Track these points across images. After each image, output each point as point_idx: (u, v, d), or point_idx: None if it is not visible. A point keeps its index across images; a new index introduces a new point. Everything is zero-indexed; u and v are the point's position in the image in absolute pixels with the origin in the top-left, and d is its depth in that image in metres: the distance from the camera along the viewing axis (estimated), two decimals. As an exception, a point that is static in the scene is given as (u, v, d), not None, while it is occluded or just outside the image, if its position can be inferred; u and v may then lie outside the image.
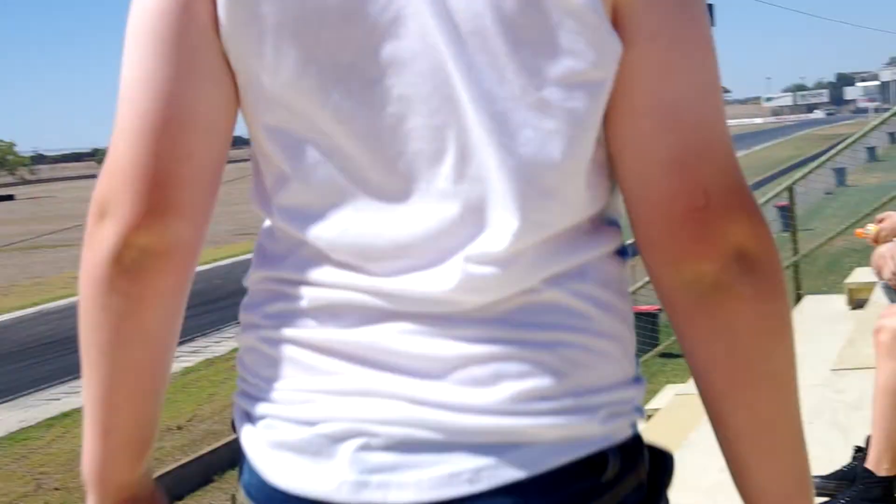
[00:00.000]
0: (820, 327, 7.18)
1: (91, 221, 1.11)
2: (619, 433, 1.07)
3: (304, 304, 1.09)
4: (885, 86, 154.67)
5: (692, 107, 1.01)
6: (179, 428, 21.57)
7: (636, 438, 1.10)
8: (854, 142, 11.13)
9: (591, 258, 1.05)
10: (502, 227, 0.99)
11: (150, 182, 1.07)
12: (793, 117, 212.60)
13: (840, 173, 53.44)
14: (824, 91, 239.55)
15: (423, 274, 1.02)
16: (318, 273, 1.08)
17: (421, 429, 1.00)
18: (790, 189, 11.18)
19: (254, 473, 1.08)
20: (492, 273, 0.99)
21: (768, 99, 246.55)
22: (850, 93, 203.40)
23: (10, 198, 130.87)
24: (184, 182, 1.09)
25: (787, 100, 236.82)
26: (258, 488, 1.08)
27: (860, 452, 3.60)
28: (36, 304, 39.65)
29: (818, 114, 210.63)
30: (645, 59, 0.99)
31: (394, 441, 1.01)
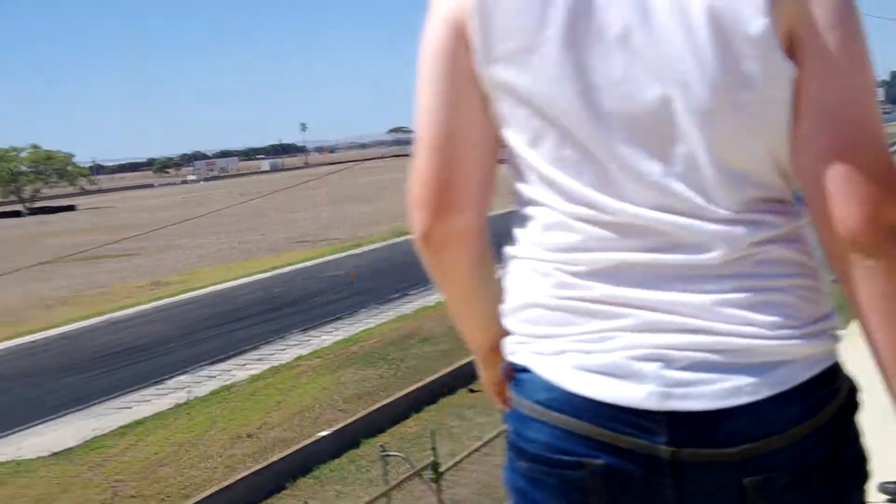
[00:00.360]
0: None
1: (409, 212, 1.53)
2: (835, 353, 1.38)
3: (583, 268, 1.39)
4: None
5: (847, 109, 1.29)
6: (249, 436, 21.86)
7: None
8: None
9: (800, 224, 1.38)
10: (726, 201, 1.33)
11: (439, 186, 1.47)
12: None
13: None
14: (880, 90, 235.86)
15: (685, 233, 1.34)
16: (593, 242, 1.38)
17: (708, 353, 1.32)
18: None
19: (555, 389, 1.38)
20: (740, 232, 1.33)
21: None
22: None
23: (71, 208, 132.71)
24: (462, 184, 1.48)
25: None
26: (562, 401, 1.37)
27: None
28: (102, 313, 40.22)
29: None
30: (809, 72, 1.28)
31: (688, 363, 1.32)
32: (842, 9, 1.28)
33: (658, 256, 1.35)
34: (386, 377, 25.93)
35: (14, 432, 23.71)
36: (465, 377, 24.09)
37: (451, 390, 23.50)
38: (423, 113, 1.48)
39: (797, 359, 1.33)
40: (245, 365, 28.77)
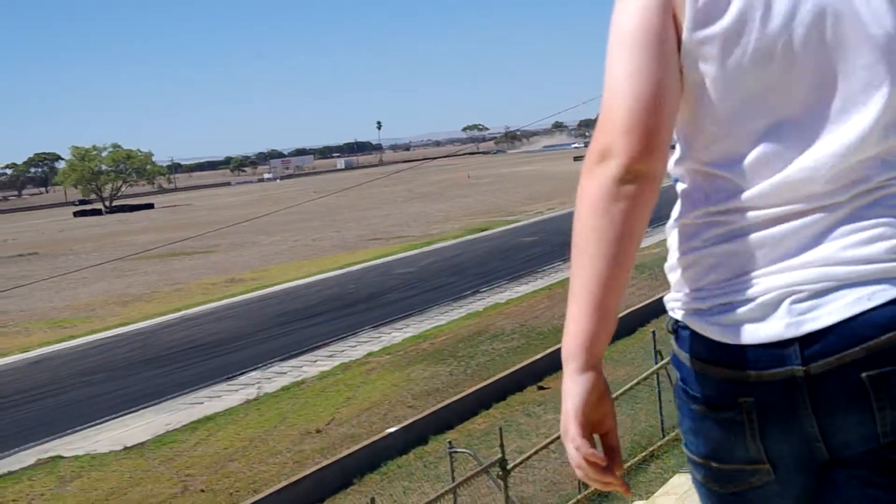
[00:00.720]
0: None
1: (592, 161, 1.68)
2: None
3: (734, 227, 1.68)
4: None
5: None
6: (318, 431, 21.93)
7: None
8: None
9: None
10: (867, 145, 1.62)
11: (645, 134, 1.64)
12: None
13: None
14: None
15: (814, 183, 1.63)
16: (742, 202, 1.67)
17: (830, 280, 1.59)
18: None
19: (709, 344, 1.68)
20: (867, 170, 1.63)
21: None
22: None
23: (149, 206, 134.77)
24: (660, 134, 1.66)
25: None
26: (716, 353, 1.67)
27: None
28: (178, 309, 40.73)
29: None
30: None
31: (814, 291, 1.60)
32: None
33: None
34: (455, 374, 25.87)
35: (89, 426, 24.04)
36: (534, 374, 23.97)
37: (519, 387, 23.35)
38: (626, 76, 1.68)
39: None
40: (316, 361, 28.89)
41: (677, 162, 1.79)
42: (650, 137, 1.65)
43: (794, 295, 1.60)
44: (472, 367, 26.39)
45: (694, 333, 1.71)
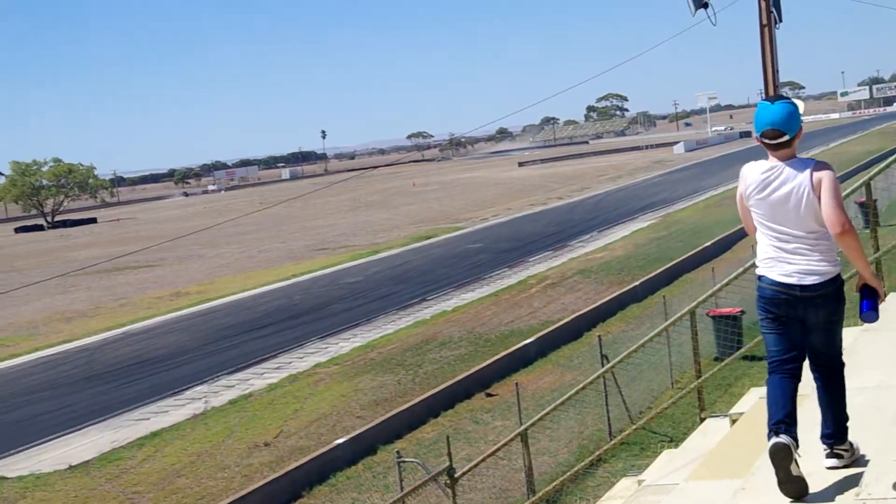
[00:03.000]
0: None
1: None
2: (840, 271, 5.44)
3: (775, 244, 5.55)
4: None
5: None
6: (266, 444, 21.78)
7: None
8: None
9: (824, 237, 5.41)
10: (801, 239, 5.37)
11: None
12: (870, 111, 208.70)
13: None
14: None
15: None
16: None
17: (806, 273, 5.37)
18: (867, 185, 11.06)
19: (770, 281, 5.46)
20: (805, 235, 5.34)
21: (844, 93, 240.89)
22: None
23: (92, 220, 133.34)
24: None
25: (864, 93, 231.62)
26: (772, 284, 5.45)
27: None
28: (122, 324, 40.32)
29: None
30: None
31: (802, 272, 5.36)
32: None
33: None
34: (403, 383, 25.83)
35: (33, 446, 23.72)
36: (482, 381, 24.01)
37: (468, 395, 23.37)
38: None
39: (830, 271, 5.33)
40: (263, 374, 28.72)
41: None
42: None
43: (794, 272, 5.37)
44: (421, 375, 26.37)
45: (766, 278, 5.49)
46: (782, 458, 5.00)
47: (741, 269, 11.00)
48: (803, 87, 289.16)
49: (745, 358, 19.84)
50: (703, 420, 10.56)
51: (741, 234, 42.93)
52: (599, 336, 21.60)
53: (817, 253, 5.27)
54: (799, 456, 5.07)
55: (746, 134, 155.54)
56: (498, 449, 15.26)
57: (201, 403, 26.03)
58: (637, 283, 33.94)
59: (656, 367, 21.52)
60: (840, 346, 5.47)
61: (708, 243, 40.60)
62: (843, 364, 5.48)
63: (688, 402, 14.61)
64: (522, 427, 14.82)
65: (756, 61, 19.09)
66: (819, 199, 5.12)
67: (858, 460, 5.39)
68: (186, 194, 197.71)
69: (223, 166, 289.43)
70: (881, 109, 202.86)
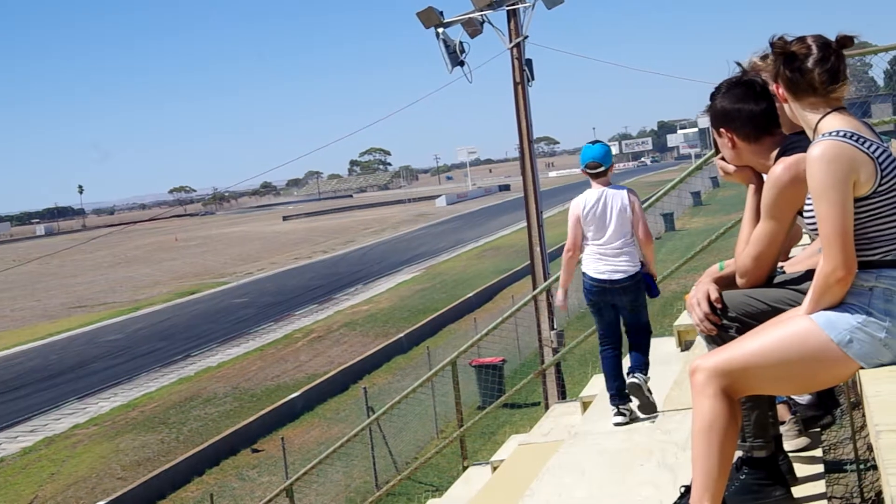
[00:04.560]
0: (653, 370, 7.49)
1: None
2: (641, 268, 6.97)
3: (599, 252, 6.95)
4: (703, 132, 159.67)
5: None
6: (20, 511, 20.87)
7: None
8: (673, 187, 11.54)
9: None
10: (617, 243, 6.84)
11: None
12: (620, 165, 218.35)
13: (668, 219, 55.56)
14: (648, 139, 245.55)
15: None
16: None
17: (619, 272, 6.81)
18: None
19: (591, 278, 6.92)
20: (619, 245, 6.85)
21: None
22: (672, 140, 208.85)
23: None
24: None
25: (614, 148, 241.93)
26: (591, 280, 6.89)
27: (687, 493, 3.78)
28: None
29: (646, 161, 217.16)
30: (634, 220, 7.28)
31: (616, 270, 6.81)
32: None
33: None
34: (167, 441, 25.24)
35: None
36: (247, 437, 23.74)
37: (233, 451, 23.06)
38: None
39: (634, 269, 6.76)
40: (17, 437, 27.49)
41: None
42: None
43: (612, 270, 6.94)
44: (185, 433, 25.84)
45: (587, 276, 6.96)
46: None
47: (499, 320, 11.38)
48: (558, 142, 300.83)
49: (506, 405, 20.39)
50: (465, 468, 10.80)
51: (502, 285, 44.18)
52: (365, 388, 21.78)
53: (626, 255, 6.86)
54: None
55: (506, 187, 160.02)
56: (264, 505, 15.09)
57: (-54, 472, 24.67)
58: (402, 334, 34.35)
59: (421, 418, 21.82)
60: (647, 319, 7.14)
61: (470, 294, 41.46)
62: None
63: (452, 450, 14.91)
64: (288, 482, 14.71)
65: (513, 117, 19.74)
66: (633, 212, 6.85)
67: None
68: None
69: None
70: (630, 164, 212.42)
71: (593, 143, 7.21)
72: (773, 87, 3.35)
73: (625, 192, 6.96)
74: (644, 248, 7.01)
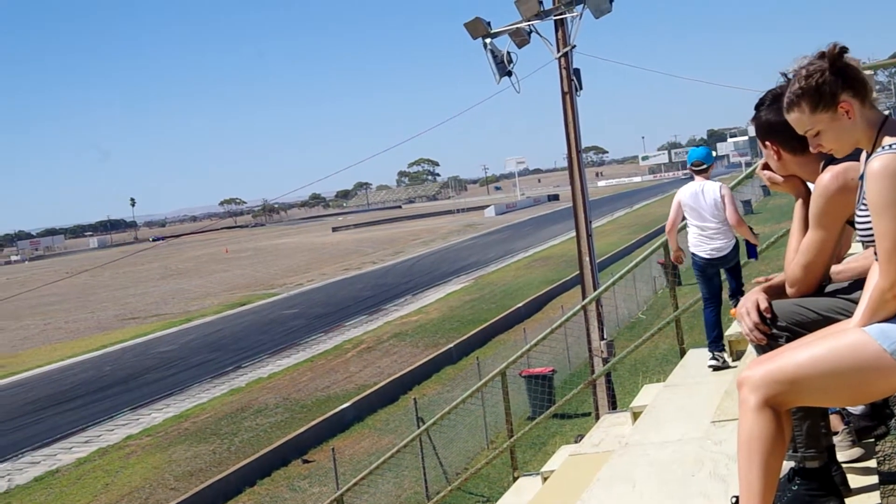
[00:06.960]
0: (704, 380, 7.48)
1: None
2: (737, 245, 8.70)
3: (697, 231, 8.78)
4: (754, 140, 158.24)
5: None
6: (75, 521, 21.09)
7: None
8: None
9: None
10: (712, 225, 8.40)
11: None
12: (669, 174, 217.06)
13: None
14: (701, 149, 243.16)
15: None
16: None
17: (717, 250, 8.37)
18: (666, 246, 11.56)
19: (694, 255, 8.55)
20: (715, 226, 8.37)
21: (645, 158, 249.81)
22: (722, 148, 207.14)
23: None
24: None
25: (663, 157, 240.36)
26: (696, 258, 8.50)
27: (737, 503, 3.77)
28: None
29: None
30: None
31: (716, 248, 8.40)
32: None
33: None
34: (219, 452, 25.41)
35: None
36: (298, 448, 23.84)
37: (284, 462, 23.17)
38: None
39: (728, 246, 8.25)
40: (71, 448, 27.80)
41: None
42: None
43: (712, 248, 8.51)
44: (236, 444, 26.00)
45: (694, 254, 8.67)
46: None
47: (549, 330, 11.35)
48: (606, 152, 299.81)
49: (556, 416, 20.31)
50: (515, 479, 10.77)
51: (552, 295, 44.06)
52: (415, 398, 21.80)
53: (721, 234, 8.27)
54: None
55: (555, 197, 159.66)
56: (315, 515, 15.16)
57: (3, 482, 24.98)
58: (451, 345, 34.36)
59: (471, 428, 21.79)
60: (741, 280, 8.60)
61: (520, 304, 41.39)
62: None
63: (502, 461, 14.89)
64: (339, 492, 14.77)
65: (561, 127, 19.69)
66: (724, 203, 8.27)
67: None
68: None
69: (27, 236, 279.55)
70: (679, 173, 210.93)
71: (697, 145, 8.94)
72: (835, 108, 3.21)
73: (718, 185, 8.41)
74: (737, 230, 8.34)
